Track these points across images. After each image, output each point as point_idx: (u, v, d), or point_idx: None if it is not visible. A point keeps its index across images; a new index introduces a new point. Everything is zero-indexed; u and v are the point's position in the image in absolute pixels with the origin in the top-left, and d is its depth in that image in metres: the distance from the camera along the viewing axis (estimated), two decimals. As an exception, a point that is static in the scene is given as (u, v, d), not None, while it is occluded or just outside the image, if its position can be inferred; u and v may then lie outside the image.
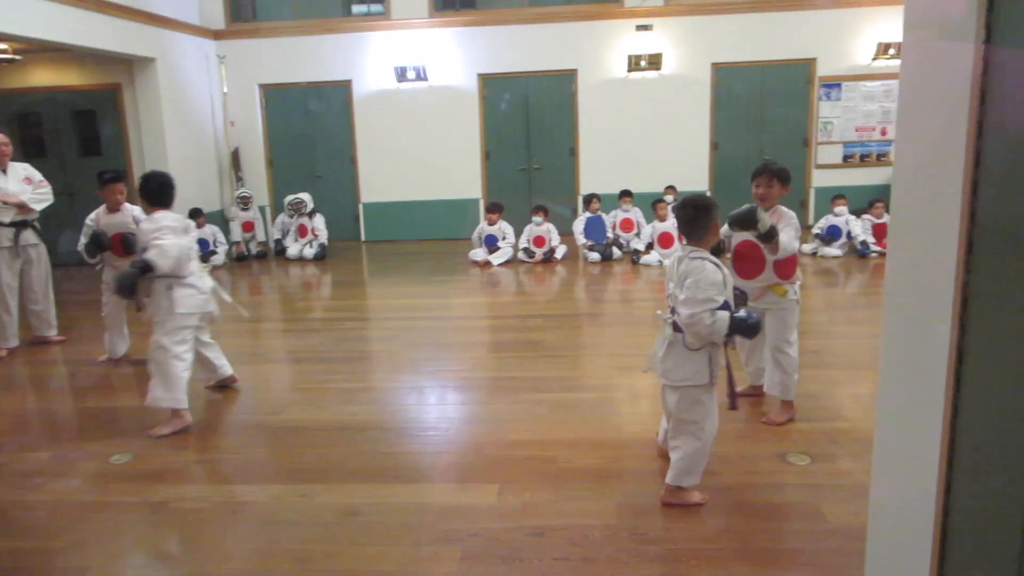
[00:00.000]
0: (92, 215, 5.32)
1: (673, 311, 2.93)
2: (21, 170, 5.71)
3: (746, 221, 3.45)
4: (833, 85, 10.15)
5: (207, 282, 4.22)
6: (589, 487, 3.16)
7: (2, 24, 6.78)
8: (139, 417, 4.25)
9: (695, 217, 2.91)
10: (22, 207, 5.58)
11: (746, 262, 3.69)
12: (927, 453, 1.48)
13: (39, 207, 5.74)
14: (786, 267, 3.65)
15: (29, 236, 5.73)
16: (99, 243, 5.07)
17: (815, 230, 8.80)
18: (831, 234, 8.61)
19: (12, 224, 5.61)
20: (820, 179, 10.34)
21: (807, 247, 8.58)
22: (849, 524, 2.75)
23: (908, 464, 1.57)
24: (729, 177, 10.33)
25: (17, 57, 8.83)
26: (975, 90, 1.32)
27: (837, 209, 8.68)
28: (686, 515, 2.92)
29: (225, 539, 2.91)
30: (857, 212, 8.71)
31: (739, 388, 4.04)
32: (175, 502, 3.21)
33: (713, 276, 2.80)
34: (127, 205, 5.28)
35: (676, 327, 2.90)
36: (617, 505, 2.99)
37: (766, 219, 3.46)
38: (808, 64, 10.14)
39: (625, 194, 9.13)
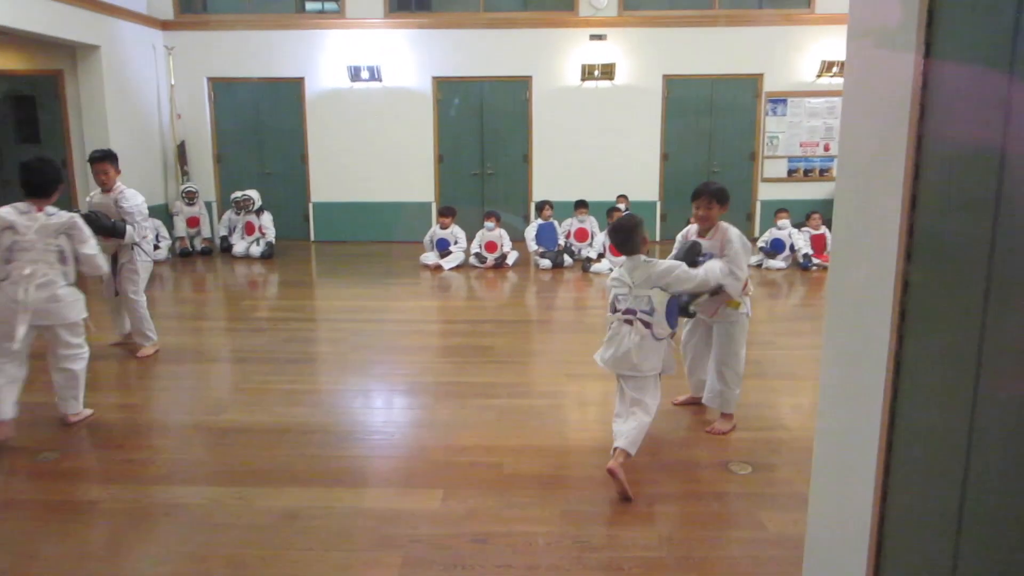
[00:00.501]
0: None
1: (631, 311, 3.27)
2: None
3: (690, 255, 3.59)
4: (779, 100, 10.43)
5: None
6: (534, 494, 3.16)
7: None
8: (70, 416, 4.09)
9: (627, 238, 3.34)
10: (-50, 195, 5.35)
11: None
12: (864, 463, 1.51)
13: (-32, 195, 5.50)
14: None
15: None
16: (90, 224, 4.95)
17: (760, 243, 9.01)
18: (775, 247, 8.83)
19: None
20: (766, 192, 10.59)
21: (753, 259, 8.77)
22: (788, 533, 2.81)
23: (846, 474, 1.60)
24: (679, 188, 10.50)
25: (-51, 38, 8.44)
26: (915, 102, 1.35)
27: (780, 223, 8.90)
28: (630, 523, 2.94)
29: (157, 541, 2.82)
30: (797, 225, 8.95)
31: (680, 398, 4.16)
32: (105, 502, 3.09)
33: (676, 264, 3.34)
34: (119, 185, 5.11)
35: (644, 323, 3.24)
36: (561, 512, 3.00)
37: (705, 285, 3.51)
38: (755, 79, 10.40)
39: (581, 205, 9.18)
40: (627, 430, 3.19)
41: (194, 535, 2.84)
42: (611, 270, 8.23)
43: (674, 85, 10.42)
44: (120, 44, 9.33)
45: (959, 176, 1.28)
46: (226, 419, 4.06)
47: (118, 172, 5.10)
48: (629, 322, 3.28)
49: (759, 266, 8.75)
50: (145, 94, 10.01)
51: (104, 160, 5.02)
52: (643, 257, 3.33)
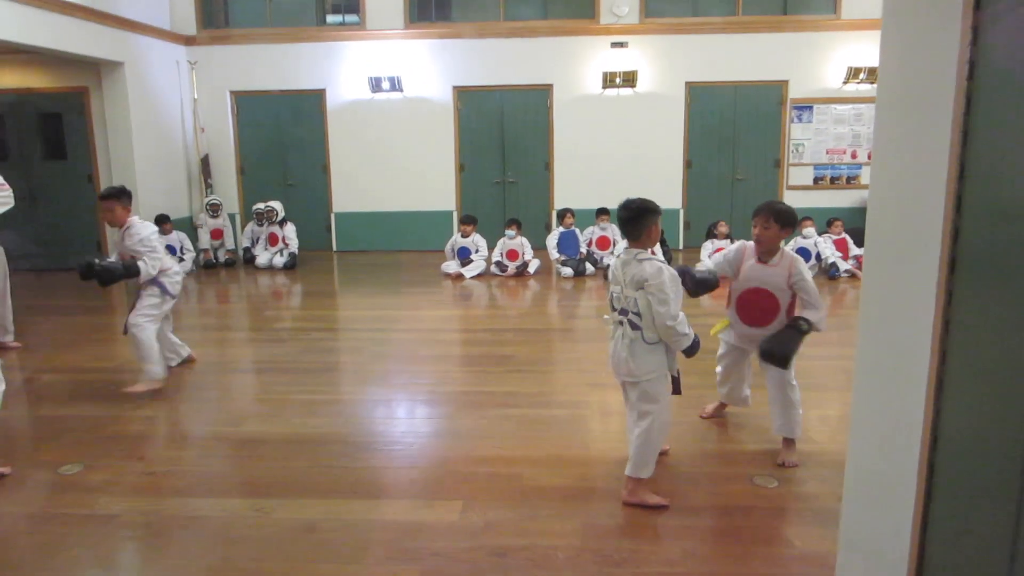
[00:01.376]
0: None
1: (624, 311, 3.04)
2: (-20, 172, 5.54)
3: (702, 286, 3.37)
4: (804, 107, 10.29)
5: None
6: (554, 506, 3.10)
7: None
8: (93, 426, 4.11)
9: (631, 219, 3.01)
10: (-20, 209, 5.42)
11: (755, 310, 3.53)
12: (903, 483, 1.42)
13: (-1, 210, 5.57)
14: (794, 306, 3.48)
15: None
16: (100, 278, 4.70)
17: (785, 253, 8.85)
18: (800, 256, 8.66)
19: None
20: (791, 200, 10.42)
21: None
22: (816, 549, 2.71)
23: (882, 494, 1.51)
24: (702, 195, 10.41)
25: (-19, 57, 8.63)
26: (959, 97, 1.26)
27: (805, 231, 8.75)
28: (652, 538, 2.86)
29: (176, 555, 2.80)
30: (820, 234, 8.80)
31: (709, 408, 4.05)
32: (126, 515, 3.09)
33: (670, 280, 2.94)
34: (130, 220, 4.76)
35: (633, 325, 3.00)
36: (582, 525, 2.93)
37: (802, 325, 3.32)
38: (780, 86, 10.28)
39: (602, 212, 9.12)
40: (632, 452, 3.06)
41: (212, 548, 2.83)
42: None
43: (697, 92, 10.34)
44: (144, 60, 9.47)
45: (1008, 179, 1.20)
46: (245, 430, 4.05)
47: (126, 209, 4.76)
48: (621, 323, 3.07)
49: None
50: (169, 109, 10.15)
51: (109, 198, 4.72)
52: (638, 252, 3.01)
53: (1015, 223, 1.18)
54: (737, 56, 10.13)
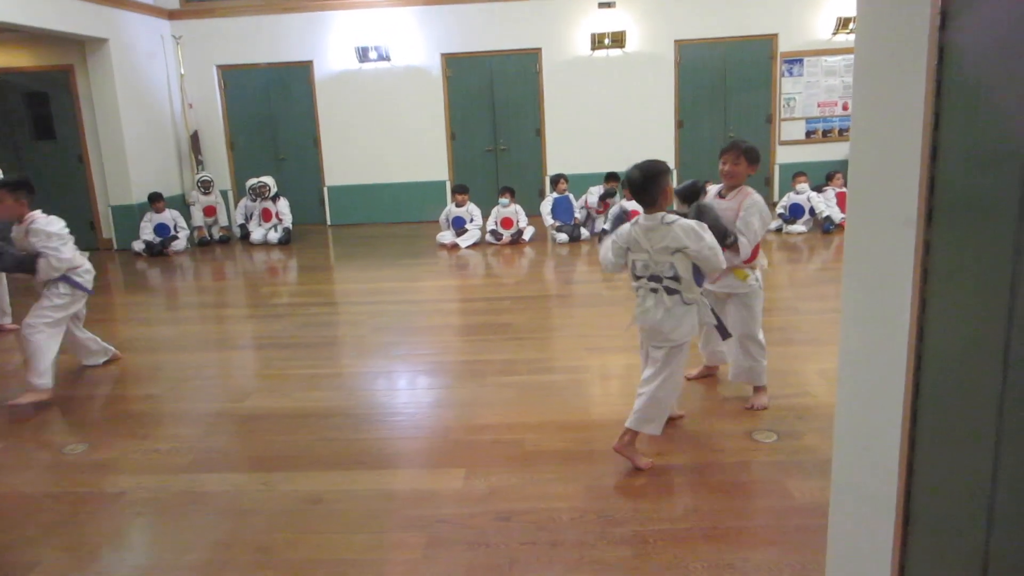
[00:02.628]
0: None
1: (655, 278, 2.98)
2: (-34, 155, 5.48)
3: (690, 193, 3.42)
4: (795, 61, 10.19)
5: None
6: (556, 470, 3.14)
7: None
8: (96, 406, 4.14)
9: (644, 182, 2.93)
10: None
11: None
12: (888, 432, 1.46)
13: (-14, 194, 5.51)
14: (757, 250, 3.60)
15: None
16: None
17: (778, 209, 8.85)
18: (794, 213, 8.68)
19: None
20: (784, 156, 10.41)
21: (772, 224, 8.64)
22: (815, 501, 2.77)
23: (869, 441, 1.55)
24: (695, 155, 10.35)
25: (-39, 38, 8.49)
26: (932, 39, 1.27)
27: (799, 187, 8.75)
28: (654, 496, 2.91)
29: (184, 529, 2.84)
30: (817, 188, 8.79)
31: (693, 372, 4.07)
32: (132, 492, 3.13)
33: (705, 232, 2.92)
34: (32, 215, 4.31)
35: (670, 290, 2.97)
36: (585, 488, 2.98)
37: (717, 217, 3.31)
38: (770, 40, 10.17)
39: (611, 177, 9.01)
40: (640, 406, 3.03)
41: (220, 522, 2.87)
42: None
43: (686, 50, 10.23)
44: (128, 36, 9.33)
45: (983, 128, 1.21)
46: (249, 406, 4.09)
47: (21, 203, 4.23)
48: (654, 290, 3.02)
49: (779, 231, 8.63)
50: (156, 85, 10.02)
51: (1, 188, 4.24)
52: (663, 215, 2.94)
53: (989, 170, 1.20)
54: (726, 12, 10.00)
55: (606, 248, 3.19)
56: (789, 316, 5.32)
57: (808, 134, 10.42)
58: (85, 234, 9.67)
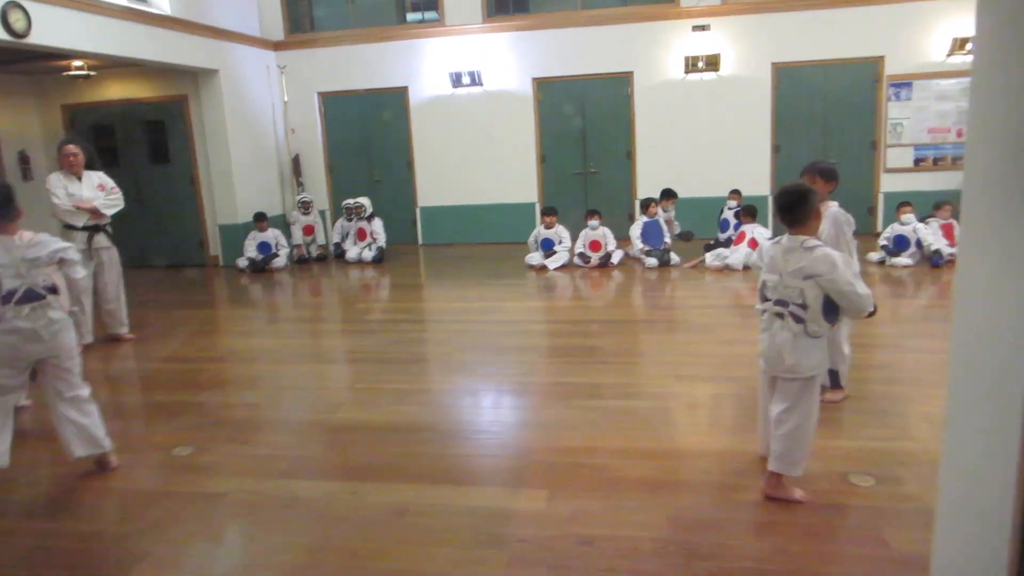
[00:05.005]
0: None
1: (783, 302, 2.91)
2: (95, 177, 5.97)
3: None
4: (903, 84, 9.76)
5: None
6: (640, 498, 3.10)
7: (79, 42, 7.13)
8: (201, 412, 4.38)
9: (795, 204, 2.91)
10: (95, 212, 5.84)
11: None
12: (999, 484, 1.35)
13: (111, 212, 5.99)
14: None
15: (101, 240, 5.99)
16: None
17: (881, 241, 8.40)
18: (898, 245, 8.18)
19: (85, 228, 5.87)
20: (889, 184, 9.95)
21: (873, 256, 8.24)
22: (914, 553, 2.60)
23: (978, 495, 1.44)
24: (792, 180, 10.03)
25: (91, 73, 9.25)
26: None
27: (903, 217, 8.27)
28: (740, 532, 2.83)
29: (278, 532, 2.97)
30: (924, 219, 8.31)
31: None
32: (232, 494, 3.29)
33: (842, 263, 2.83)
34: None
35: (796, 318, 2.88)
36: (668, 518, 2.93)
37: None
38: (875, 63, 9.79)
39: (669, 194, 9.16)
40: (780, 450, 2.92)
41: (311, 527, 2.98)
42: (726, 265, 8.13)
43: (784, 73, 9.99)
44: (237, 67, 9.93)
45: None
46: (341, 417, 4.23)
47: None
48: (780, 315, 2.92)
49: (882, 263, 8.20)
50: (261, 112, 10.60)
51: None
52: (804, 240, 2.87)
53: None
54: (827, 33, 9.70)
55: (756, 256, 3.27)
56: (892, 354, 5.06)
57: (917, 162, 9.92)
58: (195, 252, 10.30)
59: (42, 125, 10.18)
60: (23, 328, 3.27)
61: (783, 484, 3.00)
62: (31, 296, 3.29)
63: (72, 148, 5.86)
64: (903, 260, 8.06)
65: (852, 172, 9.80)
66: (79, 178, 5.85)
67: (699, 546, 2.72)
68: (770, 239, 3.04)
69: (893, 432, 3.69)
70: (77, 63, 8.84)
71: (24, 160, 9.87)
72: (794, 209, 2.90)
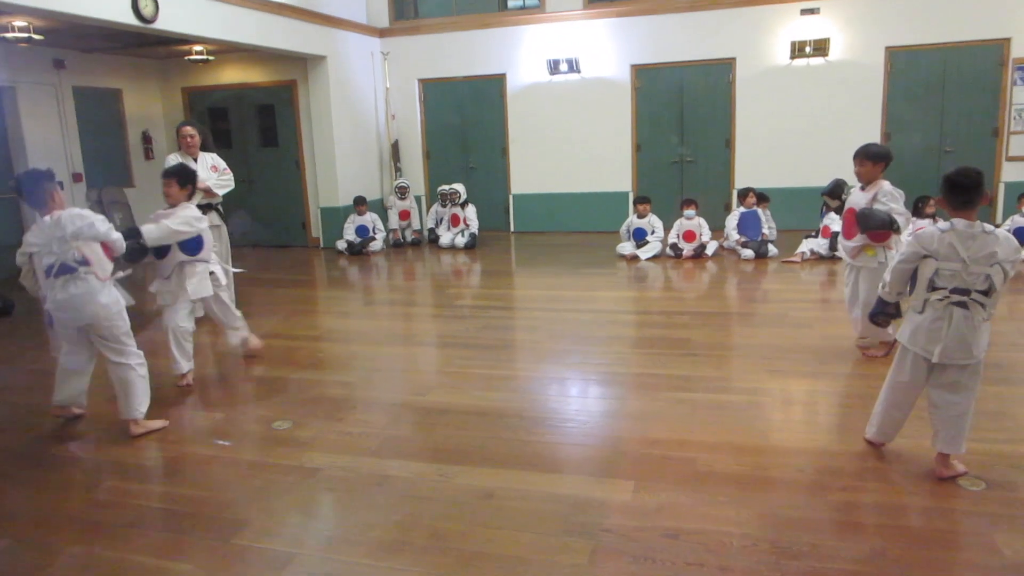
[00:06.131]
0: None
1: (963, 290, 2.89)
2: (209, 159, 6.30)
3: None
4: (1033, 68, 9.04)
5: None
6: (729, 493, 3.03)
7: (201, 28, 7.53)
8: (299, 388, 4.58)
9: (973, 187, 2.89)
10: (208, 192, 6.16)
11: (847, 225, 4.63)
12: None
13: (222, 192, 6.30)
14: (878, 235, 4.38)
15: (213, 218, 6.30)
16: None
17: (1001, 233, 7.82)
18: (1020, 238, 7.60)
19: (199, 207, 6.20)
20: (1012, 173, 9.26)
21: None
22: (1029, 560, 2.45)
23: None
24: (905, 171, 9.42)
25: (210, 58, 9.78)
26: None
27: None
28: (836, 532, 2.73)
29: (369, 508, 3.07)
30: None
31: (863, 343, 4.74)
32: (327, 469, 3.43)
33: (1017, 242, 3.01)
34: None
35: (981, 304, 2.90)
36: (759, 515, 2.85)
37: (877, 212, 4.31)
38: (1000, 45, 9.09)
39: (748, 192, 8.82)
40: (948, 431, 3.00)
41: (400, 506, 3.07)
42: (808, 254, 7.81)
43: (899, 57, 9.43)
44: (344, 53, 10.23)
45: None
46: (430, 400, 4.33)
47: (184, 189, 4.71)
48: (962, 304, 2.89)
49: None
50: (364, 98, 10.90)
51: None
52: (983, 225, 2.87)
53: None
54: (947, 15, 9.07)
55: (893, 266, 3.16)
56: (1008, 352, 4.73)
57: (1044, 149, 9.19)
58: (298, 233, 10.74)
59: (164, 107, 10.89)
60: (60, 299, 3.69)
61: (949, 463, 3.05)
62: (64, 269, 3.68)
63: (189, 130, 6.21)
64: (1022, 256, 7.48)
65: (969, 160, 9.09)
66: (195, 159, 6.18)
67: (791, 544, 2.64)
68: (937, 227, 2.90)
69: (1007, 435, 3.48)
70: (197, 48, 9.36)
71: (147, 140, 10.57)
72: (970, 191, 2.90)
